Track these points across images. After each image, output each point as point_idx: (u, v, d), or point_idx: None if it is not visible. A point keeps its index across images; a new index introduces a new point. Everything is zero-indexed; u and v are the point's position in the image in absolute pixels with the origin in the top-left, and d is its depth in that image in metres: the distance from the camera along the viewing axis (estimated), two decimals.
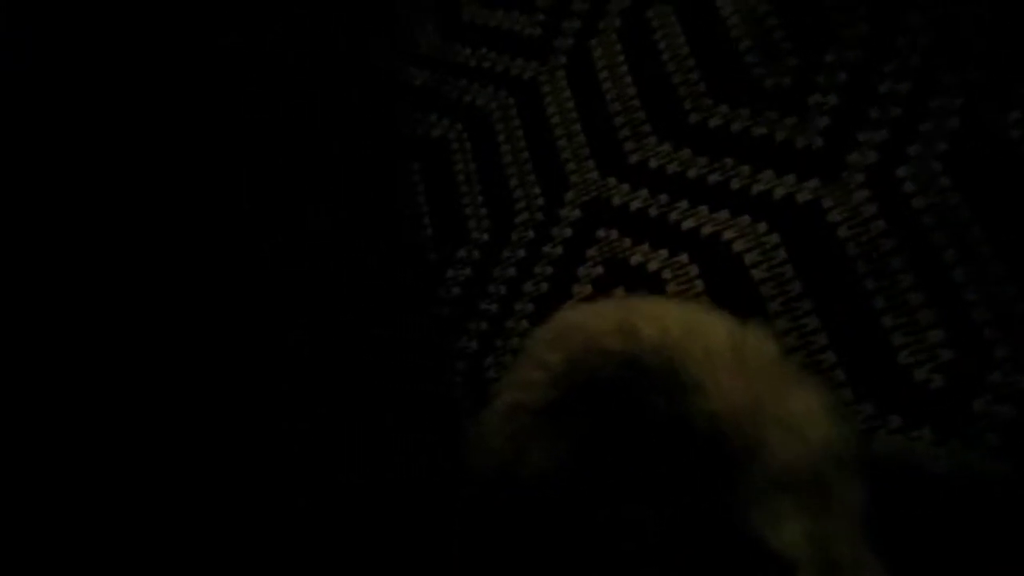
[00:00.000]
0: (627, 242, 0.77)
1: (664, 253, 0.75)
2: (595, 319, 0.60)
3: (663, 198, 0.77)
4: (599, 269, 0.78)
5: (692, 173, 0.76)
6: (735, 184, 0.73)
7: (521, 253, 0.84)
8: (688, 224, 0.74)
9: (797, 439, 0.52)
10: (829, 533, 0.51)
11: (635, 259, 0.76)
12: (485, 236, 0.87)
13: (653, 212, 0.77)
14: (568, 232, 0.81)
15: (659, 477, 0.56)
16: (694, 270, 0.72)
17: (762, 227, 0.71)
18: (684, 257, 0.73)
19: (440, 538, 0.66)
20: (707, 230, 0.73)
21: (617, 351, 0.56)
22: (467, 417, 0.76)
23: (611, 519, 0.57)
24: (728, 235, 0.72)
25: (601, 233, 0.79)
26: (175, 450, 0.72)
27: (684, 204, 0.75)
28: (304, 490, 0.72)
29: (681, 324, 0.57)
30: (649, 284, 0.74)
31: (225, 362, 0.78)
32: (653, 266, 0.75)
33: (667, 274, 0.74)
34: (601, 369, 0.57)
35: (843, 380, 0.64)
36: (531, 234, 0.84)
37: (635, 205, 0.78)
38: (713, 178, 0.75)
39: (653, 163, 0.79)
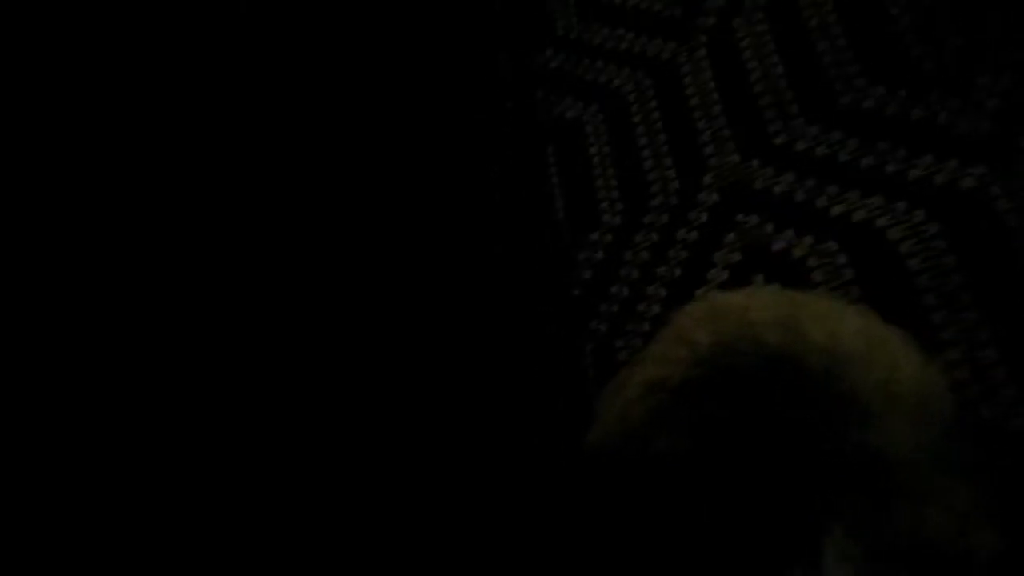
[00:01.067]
0: (769, 228, 0.76)
1: (810, 240, 0.73)
2: (756, 306, 0.58)
3: (810, 182, 0.75)
4: (737, 255, 0.78)
5: (843, 156, 0.74)
6: (890, 168, 0.71)
7: (654, 237, 0.84)
8: (837, 210, 0.73)
9: (946, 522, 0.50)
10: None
11: (777, 245, 0.75)
12: (618, 219, 0.88)
13: (799, 197, 0.75)
14: (704, 217, 0.81)
15: (782, 489, 0.55)
16: (843, 258, 0.71)
17: (920, 215, 0.68)
18: (832, 244, 0.72)
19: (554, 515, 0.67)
20: (859, 216, 0.71)
21: (774, 344, 0.55)
22: (595, 396, 0.78)
23: (721, 516, 0.57)
24: (882, 222, 0.70)
25: (741, 218, 0.78)
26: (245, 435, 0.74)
27: (833, 189, 0.74)
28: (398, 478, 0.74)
29: (858, 337, 0.54)
30: (792, 272, 0.73)
31: (335, 344, 0.80)
32: (798, 253, 0.74)
33: (813, 262, 0.72)
34: (751, 358, 0.56)
35: (1005, 379, 0.61)
36: (665, 218, 0.84)
37: (779, 189, 0.77)
38: (866, 162, 0.73)
39: (800, 146, 0.77)
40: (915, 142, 0.71)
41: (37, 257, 0.81)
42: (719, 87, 0.85)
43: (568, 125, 0.96)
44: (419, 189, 0.93)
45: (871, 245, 0.69)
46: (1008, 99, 0.68)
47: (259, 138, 0.87)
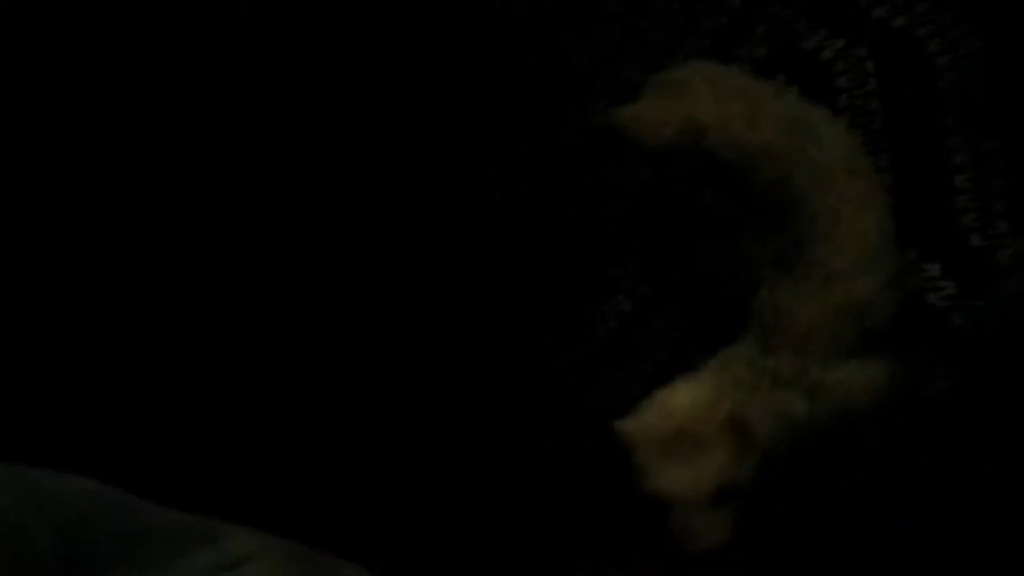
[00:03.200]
0: (803, 23, 0.73)
1: (841, 43, 0.71)
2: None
3: None
4: (763, 50, 0.75)
5: None
6: None
7: (680, 21, 0.81)
8: (879, 13, 0.69)
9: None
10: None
11: (807, 44, 0.72)
12: None
13: None
14: (738, 2, 0.77)
15: None
16: (871, 66, 0.69)
17: (962, 29, 0.65)
18: (863, 50, 0.70)
19: None
20: (899, 23, 0.68)
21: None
22: None
23: None
24: (920, 33, 0.67)
25: (775, 8, 0.75)
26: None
27: None
28: None
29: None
30: (817, 76, 0.71)
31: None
32: (826, 55, 0.71)
33: (840, 66, 0.70)
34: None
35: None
36: None
37: None
38: None
39: None
40: None
41: (37, 257, 0.82)
42: None
43: None
44: None
45: (904, 56, 0.67)
46: None
47: (247, 126, 0.86)
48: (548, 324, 0.82)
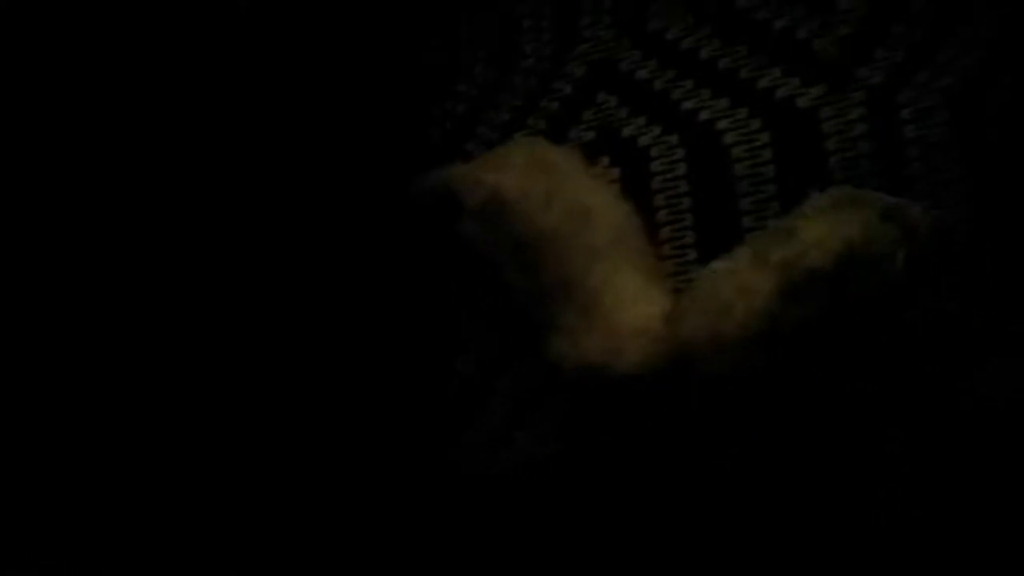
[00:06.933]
0: (624, 112, 0.84)
1: (657, 130, 0.81)
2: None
3: (671, 73, 0.82)
4: (591, 134, 0.85)
5: (705, 53, 0.81)
6: (743, 74, 0.79)
7: (518, 101, 0.90)
8: (688, 105, 0.80)
9: None
10: None
11: (628, 131, 0.83)
12: (488, 74, 0.93)
13: (658, 86, 0.83)
14: (569, 89, 0.87)
15: None
16: (680, 153, 0.79)
17: (756, 124, 0.77)
18: (675, 138, 0.80)
19: None
20: (704, 116, 0.79)
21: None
22: None
23: None
24: (722, 125, 0.78)
25: (601, 97, 0.85)
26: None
27: (689, 84, 0.81)
28: None
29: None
30: (635, 160, 0.81)
31: None
32: (643, 141, 0.82)
33: (654, 152, 0.81)
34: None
35: None
36: (533, 82, 0.90)
37: (641, 75, 0.84)
38: (724, 63, 0.80)
39: (670, 35, 0.84)
40: (772, 52, 0.79)
41: (37, 257, 0.84)
42: None
43: None
44: None
45: (708, 144, 0.78)
46: (861, 27, 0.76)
47: (245, 126, 0.91)
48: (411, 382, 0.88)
